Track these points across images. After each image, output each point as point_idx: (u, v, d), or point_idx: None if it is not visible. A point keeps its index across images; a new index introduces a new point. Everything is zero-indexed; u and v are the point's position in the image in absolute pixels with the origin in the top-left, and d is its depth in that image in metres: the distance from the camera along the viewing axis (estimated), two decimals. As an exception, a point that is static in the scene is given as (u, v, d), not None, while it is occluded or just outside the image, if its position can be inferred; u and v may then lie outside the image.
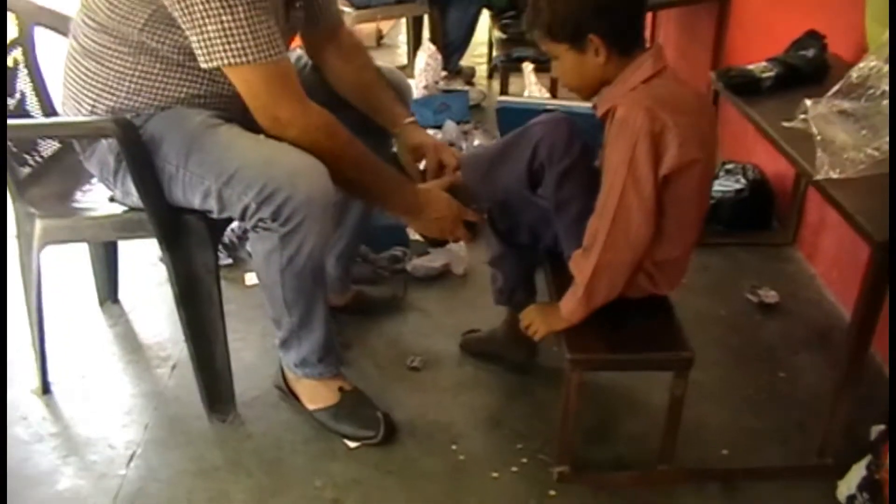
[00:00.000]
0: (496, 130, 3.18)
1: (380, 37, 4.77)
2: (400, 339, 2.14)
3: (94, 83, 1.60)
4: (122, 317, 2.25)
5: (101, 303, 2.29)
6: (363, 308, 2.19)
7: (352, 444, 1.76)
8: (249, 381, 1.93)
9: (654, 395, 1.83)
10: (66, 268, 2.35)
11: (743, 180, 2.60)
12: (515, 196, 1.70)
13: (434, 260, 2.38)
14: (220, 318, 1.74)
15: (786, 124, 1.75)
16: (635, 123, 1.41)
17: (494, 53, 3.81)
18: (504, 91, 3.51)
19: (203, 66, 1.47)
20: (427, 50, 3.49)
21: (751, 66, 2.12)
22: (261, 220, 1.51)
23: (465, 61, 4.06)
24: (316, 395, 1.79)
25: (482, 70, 4.23)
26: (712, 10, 3.14)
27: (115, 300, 2.31)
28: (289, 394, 1.84)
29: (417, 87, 3.35)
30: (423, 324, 2.20)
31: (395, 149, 2.01)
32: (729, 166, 2.67)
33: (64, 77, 1.68)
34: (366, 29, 4.48)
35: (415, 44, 3.93)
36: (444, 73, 3.65)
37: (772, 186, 2.62)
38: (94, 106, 1.62)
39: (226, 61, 1.44)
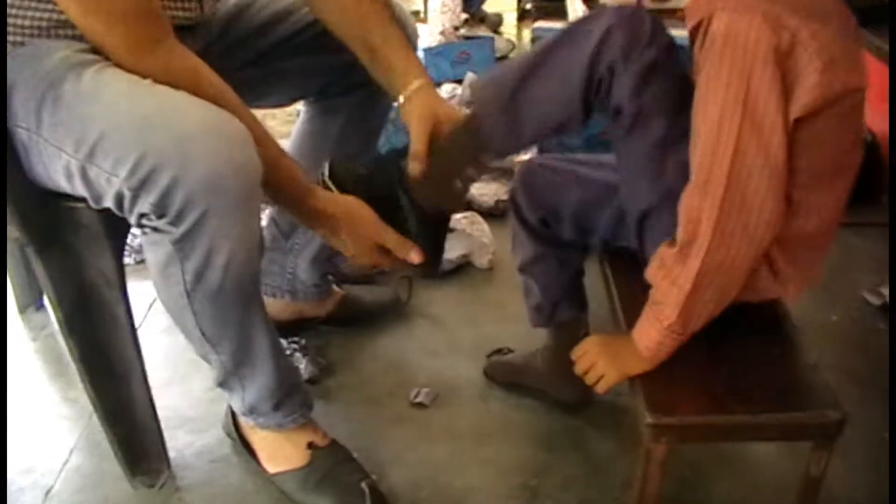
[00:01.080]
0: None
1: (394, -17, 4.31)
2: (401, 360, 1.66)
3: None
4: (46, 328, 1.78)
5: (22, 310, 1.83)
6: (353, 316, 1.72)
7: (325, 527, 1.27)
8: (197, 423, 1.48)
9: (752, 445, 1.42)
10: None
11: (854, 144, 2.09)
12: (550, 137, 1.22)
13: (449, 249, 1.89)
14: (132, 346, 1.23)
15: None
16: (749, 38, 0.92)
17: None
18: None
19: None
20: (444, -14, 3.01)
21: (873, -14, 1.67)
22: (142, 215, 0.98)
23: (490, 7, 3.66)
24: (276, 452, 1.30)
25: (511, 19, 3.80)
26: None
27: (41, 306, 1.83)
28: (242, 446, 1.36)
29: (432, 32, 2.95)
30: (433, 338, 1.73)
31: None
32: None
33: None
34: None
35: (431, -18, 3.50)
36: (464, 17, 3.23)
37: (883, 152, 2.16)
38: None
39: None
